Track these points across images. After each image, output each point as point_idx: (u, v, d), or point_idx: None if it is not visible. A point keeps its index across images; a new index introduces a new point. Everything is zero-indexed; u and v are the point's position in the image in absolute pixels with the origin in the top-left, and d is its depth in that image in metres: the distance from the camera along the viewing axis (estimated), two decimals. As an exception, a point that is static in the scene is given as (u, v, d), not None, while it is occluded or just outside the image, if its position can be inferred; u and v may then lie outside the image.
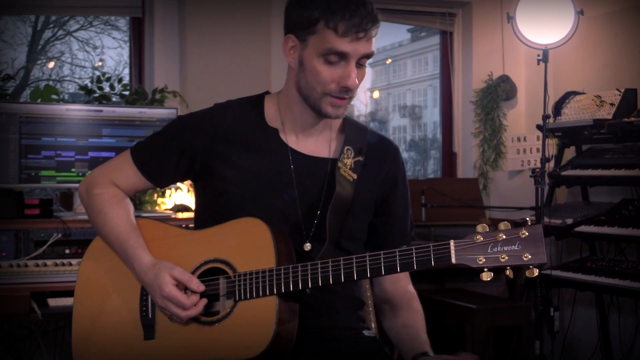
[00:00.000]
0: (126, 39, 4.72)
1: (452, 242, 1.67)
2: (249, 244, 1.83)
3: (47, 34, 5.06)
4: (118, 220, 1.96)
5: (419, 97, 6.47)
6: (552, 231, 3.99)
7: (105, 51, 4.97)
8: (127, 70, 4.66)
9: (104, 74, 4.19)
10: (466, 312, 3.96)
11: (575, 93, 4.36)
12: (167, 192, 3.90)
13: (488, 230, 1.68)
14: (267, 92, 2.06)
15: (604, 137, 4.05)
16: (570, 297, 4.55)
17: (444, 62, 5.15)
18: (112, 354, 1.93)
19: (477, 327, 3.91)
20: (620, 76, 4.30)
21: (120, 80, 4.18)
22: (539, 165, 3.79)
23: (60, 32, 5.07)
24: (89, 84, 4.10)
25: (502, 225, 1.67)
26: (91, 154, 3.54)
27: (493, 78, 4.92)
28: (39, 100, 3.88)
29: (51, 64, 5.02)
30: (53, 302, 2.94)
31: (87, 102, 4.01)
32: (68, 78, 5.02)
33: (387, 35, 6.28)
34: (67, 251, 3.28)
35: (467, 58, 5.04)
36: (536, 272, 1.64)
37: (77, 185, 3.49)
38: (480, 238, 1.66)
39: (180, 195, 3.92)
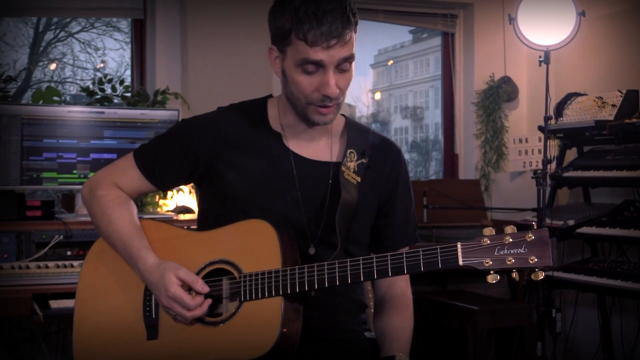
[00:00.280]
0: (128, 40, 4.73)
1: (459, 244, 1.69)
2: (254, 245, 1.83)
3: (49, 35, 5.06)
4: (121, 222, 1.96)
5: (420, 98, 6.46)
6: (554, 232, 3.98)
7: (107, 53, 4.97)
8: (128, 72, 4.66)
9: (105, 75, 4.19)
10: (468, 314, 3.96)
11: (577, 94, 4.36)
12: (169, 193, 3.90)
13: (495, 233, 1.69)
14: (270, 96, 2.06)
15: (606, 138, 4.05)
16: (572, 299, 4.55)
17: (446, 63, 5.15)
18: (114, 354, 1.93)
19: (478, 328, 3.90)
20: (622, 77, 4.30)
21: (122, 82, 4.18)
22: (540, 166, 3.80)
23: (62, 33, 5.08)
24: (91, 86, 4.10)
25: (508, 229, 1.69)
26: (93, 155, 3.55)
27: (495, 79, 4.92)
28: (41, 102, 3.88)
29: (53, 66, 5.03)
30: (55, 303, 2.95)
31: (88, 104, 4.01)
32: (70, 80, 5.02)
33: (389, 37, 6.27)
34: (68, 253, 3.28)
35: (469, 59, 5.03)
36: (542, 275, 1.66)
37: (78, 187, 3.49)
38: (487, 241, 1.68)
39: (182, 197, 3.91)
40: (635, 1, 4.34)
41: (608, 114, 4.04)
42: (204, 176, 1.98)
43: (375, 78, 6.54)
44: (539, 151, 4.76)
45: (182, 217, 3.65)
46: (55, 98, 3.95)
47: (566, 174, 4.17)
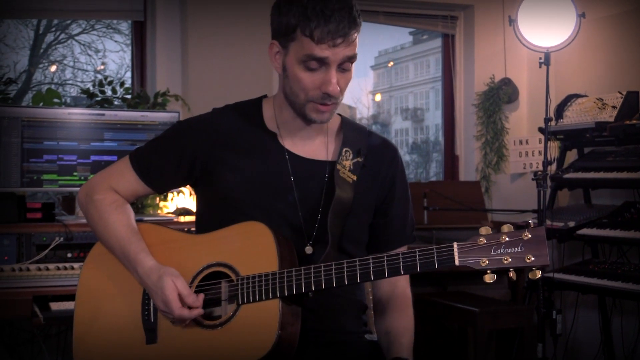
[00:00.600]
0: (128, 42, 4.73)
1: (455, 245, 1.68)
2: (251, 247, 1.83)
3: (49, 37, 5.06)
4: (119, 226, 1.96)
5: (421, 100, 6.46)
6: (555, 234, 3.98)
7: (108, 55, 4.97)
8: (129, 74, 4.66)
9: (106, 77, 4.19)
10: (468, 315, 3.95)
11: (577, 96, 4.36)
12: (169, 195, 3.90)
13: (491, 232, 1.68)
14: (265, 96, 2.07)
15: (606, 139, 4.05)
16: (572, 300, 4.55)
17: (446, 65, 5.15)
18: (113, 358, 1.93)
19: (479, 330, 3.90)
20: (622, 79, 4.31)
21: (122, 84, 4.18)
22: (541, 168, 3.80)
23: (63, 35, 5.08)
24: (91, 88, 4.10)
25: (505, 228, 1.68)
26: (93, 157, 3.55)
27: (495, 81, 4.92)
28: (41, 104, 3.88)
29: (53, 68, 5.03)
30: (55, 305, 2.95)
31: (89, 106, 4.01)
32: (70, 82, 5.02)
33: (389, 38, 6.27)
34: (69, 255, 3.28)
35: (469, 61, 5.04)
36: (539, 273, 1.65)
37: (79, 189, 3.48)
38: (483, 240, 1.67)
39: (182, 199, 3.92)
40: (636, 2, 4.34)
41: (608, 116, 4.04)
42: (200, 177, 1.98)
43: (376, 79, 6.54)
44: (540, 153, 4.76)
45: (182, 218, 3.65)
46: (56, 100, 3.95)
47: (566, 176, 4.17)
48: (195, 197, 2.09)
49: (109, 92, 4.10)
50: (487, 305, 4.03)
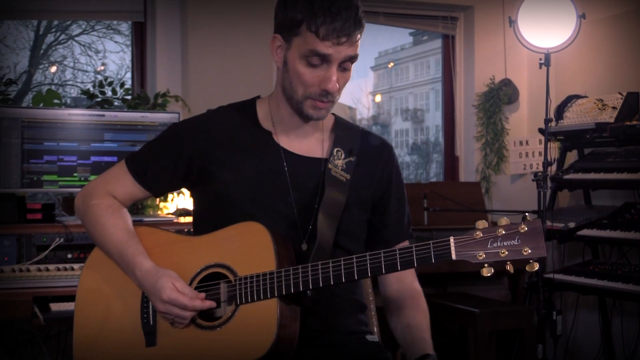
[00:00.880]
0: (128, 43, 4.73)
1: (451, 239, 1.69)
2: (249, 248, 1.84)
3: (50, 38, 5.06)
4: (116, 229, 1.96)
5: (421, 100, 6.46)
6: (555, 235, 3.98)
7: (108, 55, 4.98)
8: (129, 75, 4.66)
9: (106, 78, 4.19)
10: (469, 316, 3.95)
11: (578, 97, 4.36)
12: (170, 196, 3.90)
13: (487, 226, 1.69)
14: (258, 97, 2.08)
15: (606, 140, 4.05)
16: (572, 301, 4.55)
17: (446, 65, 5.15)
18: None
19: (479, 330, 3.90)
20: (622, 80, 4.30)
21: (122, 85, 4.18)
22: (541, 168, 3.80)
23: (63, 36, 5.08)
24: (91, 89, 4.10)
25: (501, 221, 1.69)
26: (93, 158, 3.55)
27: (495, 82, 4.92)
28: (41, 105, 3.88)
29: (53, 69, 5.03)
30: (55, 306, 2.95)
31: (89, 107, 4.01)
32: (70, 82, 5.03)
33: (389, 39, 6.28)
34: (69, 256, 3.28)
35: (469, 62, 5.04)
36: (536, 266, 1.65)
37: (79, 189, 3.48)
38: (479, 234, 1.68)
39: (182, 200, 3.92)
40: (636, 3, 4.34)
41: (608, 116, 4.04)
42: (196, 178, 1.99)
43: (376, 80, 6.55)
44: (540, 153, 4.76)
45: (182, 219, 3.65)
46: (56, 101, 3.95)
47: (567, 177, 4.16)
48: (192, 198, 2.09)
49: (109, 93, 4.10)
50: (488, 306, 4.03)
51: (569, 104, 4.32)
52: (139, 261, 1.90)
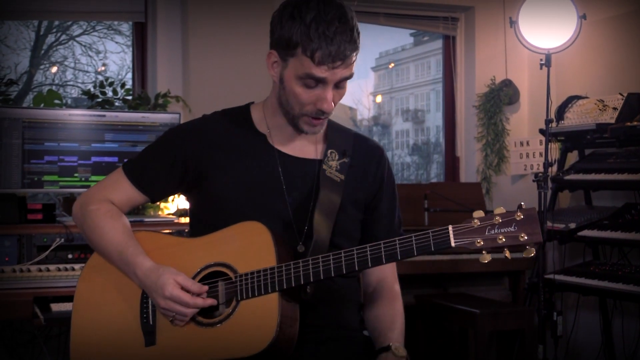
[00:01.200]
0: (129, 43, 4.73)
1: (450, 227, 1.74)
2: (249, 246, 1.86)
3: (50, 38, 5.07)
4: (115, 232, 1.98)
5: (421, 101, 6.46)
6: (555, 235, 3.98)
7: (108, 56, 4.98)
8: (130, 75, 4.67)
9: (106, 78, 4.19)
10: (469, 317, 3.95)
11: (578, 97, 4.36)
12: (170, 197, 3.90)
13: (484, 215, 1.74)
14: (252, 103, 2.11)
15: (607, 141, 4.05)
16: (573, 302, 4.54)
17: (447, 66, 5.16)
18: None
19: (479, 331, 3.90)
20: (623, 80, 4.30)
21: (123, 85, 4.18)
22: (541, 169, 3.80)
23: (63, 36, 5.08)
24: (92, 89, 4.11)
25: (498, 210, 1.74)
26: (94, 159, 3.55)
27: (496, 82, 4.92)
28: (42, 105, 3.88)
29: (54, 69, 5.03)
30: (56, 307, 2.95)
31: (90, 107, 4.01)
32: (71, 83, 5.03)
33: (390, 40, 6.28)
34: (70, 256, 3.28)
35: (470, 62, 5.04)
36: (533, 251, 1.71)
37: (80, 190, 3.49)
38: (477, 222, 1.73)
39: (183, 200, 3.91)
40: (636, 4, 4.34)
41: (609, 117, 4.04)
42: (193, 181, 2.01)
43: (377, 81, 6.55)
44: (540, 154, 4.76)
45: (183, 219, 3.65)
46: (57, 101, 3.95)
47: (567, 177, 4.16)
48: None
49: (109, 94, 4.10)
50: (488, 307, 4.02)
51: (570, 105, 4.32)
52: (139, 261, 1.91)
